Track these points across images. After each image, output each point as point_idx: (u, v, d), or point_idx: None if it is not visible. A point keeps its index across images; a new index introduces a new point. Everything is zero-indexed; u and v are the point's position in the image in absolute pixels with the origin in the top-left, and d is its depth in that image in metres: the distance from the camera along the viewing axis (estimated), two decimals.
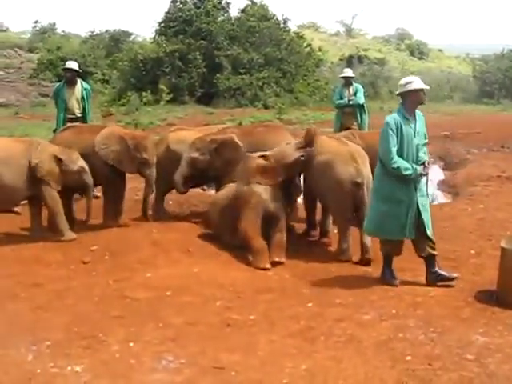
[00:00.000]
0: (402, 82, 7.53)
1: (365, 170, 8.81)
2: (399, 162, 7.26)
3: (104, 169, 9.77)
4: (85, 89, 12.31)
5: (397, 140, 7.29)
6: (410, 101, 7.42)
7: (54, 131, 11.51)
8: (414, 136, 7.39)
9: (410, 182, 7.39)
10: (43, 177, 9.16)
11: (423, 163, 7.47)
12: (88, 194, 9.69)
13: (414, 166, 7.34)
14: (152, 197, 10.68)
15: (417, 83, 7.39)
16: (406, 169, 7.28)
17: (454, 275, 7.58)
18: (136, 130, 11.02)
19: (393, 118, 7.35)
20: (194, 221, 10.36)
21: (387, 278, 7.69)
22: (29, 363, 5.65)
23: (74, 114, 12.11)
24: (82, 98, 12.21)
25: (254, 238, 8.61)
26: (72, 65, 12.32)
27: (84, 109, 12.23)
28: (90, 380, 5.36)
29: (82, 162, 9.51)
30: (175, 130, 11.35)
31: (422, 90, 7.43)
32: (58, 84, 12.77)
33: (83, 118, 12.18)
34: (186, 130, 11.37)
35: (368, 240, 8.48)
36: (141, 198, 10.62)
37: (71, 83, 12.16)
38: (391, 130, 7.27)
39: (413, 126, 7.41)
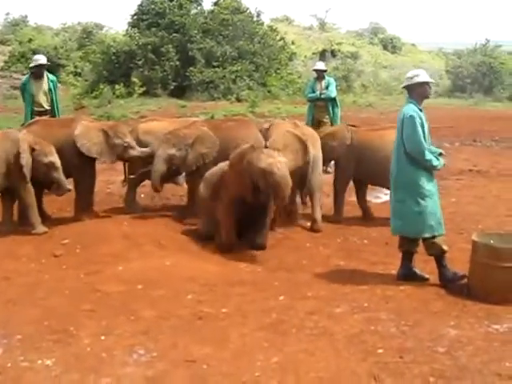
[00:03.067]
0: (409, 74, 7.47)
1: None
2: (430, 154, 7.23)
3: (76, 162, 9.69)
4: (51, 81, 12.22)
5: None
6: (417, 93, 7.35)
7: (22, 125, 11.35)
8: (426, 128, 7.38)
9: (433, 174, 7.39)
10: (23, 167, 9.07)
11: (440, 154, 7.52)
12: (60, 190, 9.58)
13: (439, 158, 7.37)
14: (124, 190, 10.65)
15: (423, 76, 7.35)
16: (435, 160, 7.27)
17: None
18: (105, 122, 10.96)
19: (415, 111, 7.23)
20: (166, 214, 10.33)
21: (418, 274, 7.55)
22: None
23: (43, 107, 12.02)
24: (50, 90, 12.11)
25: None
26: (42, 60, 12.18)
27: (52, 101, 12.13)
28: (61, 374, 5.32)
29: (53, 158, 9.39)
30: (146, 121, 11.31)
31: (427, 83, 7.41)
32: (24, 78, 12.62)
33: (52, 111, 12.09)
34: (156, 120, 11.31)
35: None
36: (112, 191, 10.56)
37: (38, 76, 12.06)
38: (418, 122, 7.18)
39: (425, 117, 7.38)
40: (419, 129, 7.17)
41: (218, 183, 8.92)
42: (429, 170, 7.30)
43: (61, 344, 5.85)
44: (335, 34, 55.92)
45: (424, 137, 7.22)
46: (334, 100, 13.65)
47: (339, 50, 46.20)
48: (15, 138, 9.24)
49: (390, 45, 55.34)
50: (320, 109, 13.61)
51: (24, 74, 33.82)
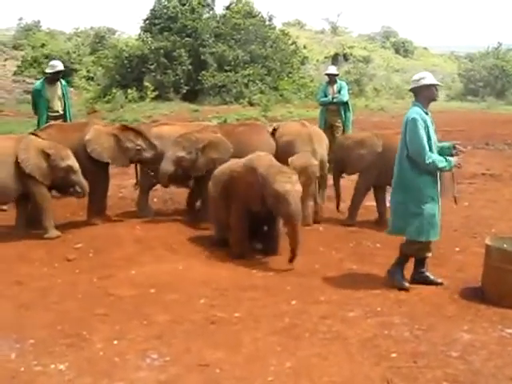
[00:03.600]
0: (416, 77, 7.42)
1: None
2: (433, 157, 7.12)
3: (89, 166, 9.67)
4: (64, 85, 12.28)
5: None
6: (423, 96, 7.30)
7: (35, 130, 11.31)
8: (433, 130, 7.33)
9: (435, 178, 7.30)
10: (30, 172, 9.08)
11: (453, 147, 7.41)
12: (81, 193, 9.59)
13: (448, 158, 7.23)
14: (136, 194, 10.67)
15: (429, 79, 7.29)
16: (441, 161, 7.14)
17: (439, 280, 7.54)
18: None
19: (418, 114, 7.17)
20: (179, 218, 10.33)
21: (399, 280, 7.49)
22: (12, 362, 5.61)
23: (58, 112, 12.01)
24: (63, 94, 12.14)
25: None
26: (60, 66, 12.16)
27: (65, 106, 12.14)
28: (74, 378, 5.32)
29: (70, 161, 9.36)
30: (158, 125, 11.31)
31: (434, 85, 7.35)
32: (37, 83, 12.50)
33: (65, 116, 12.10)
34: (168, 125, 11.30)
35: None
36: (124, 195, 10.57)
37: (53, 81, 12.07)
38: (421, 126, 7.14)
39: (431, 120, 7.34)
40: (421, 132, 7.11)
41: (228, 185, 8.86)
42: (432, 174, 7.25)
43: (74, 348, 5.86)
44: (347, 38, 55.96)
45: (429, 140, 7.18)
46: (346, 104, 13.64)
47: (351, 54, 46.25)
48: (23, 143, 9.26)
49: (402, 48, 55.30)
50: (332, 113, 13.60)
51: (37, 79, 34.20)
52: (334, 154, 10.69)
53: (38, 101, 11.99)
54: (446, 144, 7.48)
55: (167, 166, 9.85)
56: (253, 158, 8.69)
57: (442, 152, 7.31)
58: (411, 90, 7.47)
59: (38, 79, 31.13)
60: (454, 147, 7.38)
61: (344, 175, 11.04)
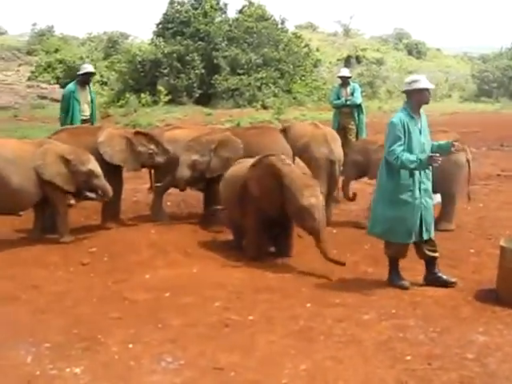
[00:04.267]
0: (408, 80, 7.45)
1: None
2: (403, 157, 7.10)
3: (102, 170, 9.67)
4: (91, 91, 12.28)
5: (404, 139, 7.18)
6: (415, 100, 7.32)
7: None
8: (420, 134, 7.31)
9: (414, 182, 7.29)
10: (50, 179, 9.12)
11: (452, 144, 7.39)
12: (103, 197, 9.62)
13: (419, 155, 7.18)
14: (150, 198, 10.69)
15: (422, 82, 7.29)
16: (412, 161, 7.11)
17: (453, 280, 7.54)
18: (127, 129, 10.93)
19: (398, 118, 7.22)
20: (193, 221, 10.34)
21: (395, 281, 7.56)
22: (28, 365, 5.63)
23: (86, 115, 11.97)
24: (91, 99, 12.15)
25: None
26: (90, 68, 12.22)
27: (92, 109, 12.15)
28: (89, 382, 5.33)
29: (91, 165, 9.36)
30: (171, 129, 11.32)
31: (427, 89, 7.35)
32: (69, 85, 12.25)
33: (91, 120, 12.10)
34: (181, 128, 11.30)
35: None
36: (138, 200, 10.59)
37: (84, 84, 12.04)
38: (398, 130, 7.15)
39: (419, 124, 7.31)
40: (396, 135, 7.17)
41: (240, 187, 8.85)
42: (409, 177, 7.29)
43: (89, 352, 5.87)
44: (360, 40, 55.95)
45: (410, 143, 7.20)
46: (359, 106, 13.61)
47: (364, 56, 46.26)
48: (41, 148, 9.26)
49: (415, 50, 55.25)
50: (345, 115, 13.56)
51: (50, 84, 34.33)
52: (352, 158, 10.62)
53: (72, 103, 11.78)
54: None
55: (184, 172, 9.86)
56: (268, 163, 8.64)
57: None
58: (404, 92, 7.48)
59: (52, 84, 30.98)
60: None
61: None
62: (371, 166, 9.93)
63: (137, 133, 10.34)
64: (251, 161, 8.88)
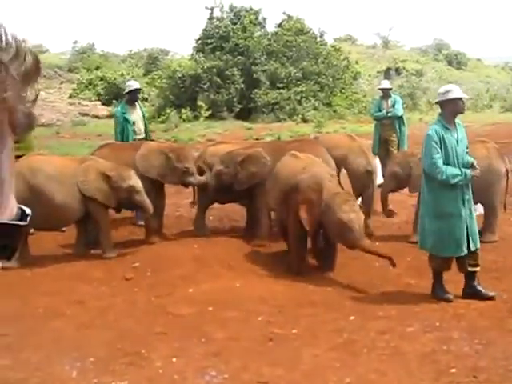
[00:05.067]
0: (441, 90, 7.43)
1: None
2: (447, 171, 7.10)
3: (144, 184, 9.75)
4: (141, 107, 12.19)
5: (441, 151, 7.17)
6: (449, 110, 7.30)
7: None
8: (457, 144, 7.26)
9: (457, 194, 7.25)
10: (91, 195, 9.22)
11: (471, 165, 7.36)
12: (144, 213, 9.72)
13: (463, 170, 7.18)
14: (193, 212, 10.76)
15: (455, 92, 7.27)
16: (455, 176, 7.11)
17: (491, 294, 7.43)
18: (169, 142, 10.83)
19: (434, 130, 7.21)
20: (235, 235, 10.37)
21: (439, 294, 7.49)
22: (73, 380, 5.70)
23: (141, 134, 11.73)
24: (143, 115, 12.03)
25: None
26: (136, 85, 12.13)
27: (146, 126, 11.97)
28: None
29: (132, 181, 9.42)
30: (214, 144, 11.39)
31: (460, 99, 7.31)
32: (118, 108, 12.15)
33: (146, 137, 11.85)
34: (224, 144, 11.36)
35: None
36: (182, 214, 10.64)
37: (133, 102, 11.88)
38: (434, 142, 7.12)
39: (454, 134, 7.27)
40: (434, 148, 7.11)
41: (288, 195, 8.87)
42: (453, 188, 7.21)
43: (133, 367, 5.91)
44: (399, 52, 55.68)
45: (447, 155, 7.13)
46: (400, 118, 13.56)
47: (404, 68, 46.05)
48: (83, 166, 9.38)
49: (455, 61, 54.82)
50: (387, 127, 13.51)
51: (91, 101, 34.69)
52: (392, 170, 10.55)
53: (125, 126, 11.52)
54: (467, 158, 7.41)
55: (209, 180, 10.10)
56: (315, 178, 8.61)
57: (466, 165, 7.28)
58: (437, 102, 7.44)
59: (94, 101, 31.19)
60: (473, 165, 7.35)
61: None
62: (411, 178, 9.90)
63: (176, 149, 10.38)
64: (303, 160, 8.99)
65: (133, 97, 11.88)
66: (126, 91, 11.96)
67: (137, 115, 11.78)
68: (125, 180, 9.38)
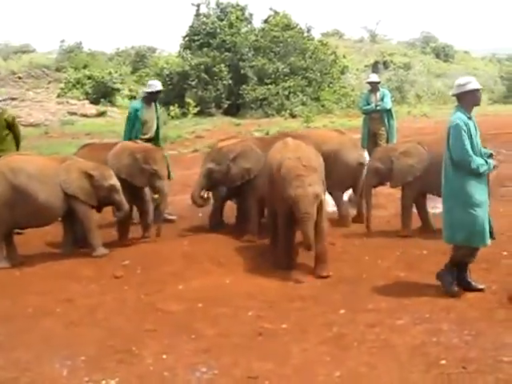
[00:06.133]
0: (460, 82, 7.35)
1: None
2: (477, 161, 7.07)
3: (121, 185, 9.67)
4: (158, 109, 11.91)
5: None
6: (467, 101, 7.24)
7: None
8: (476, 135, 7.26)
9: (484, 182, 7.25)
10: (74, 193, 9.22)
11: (490, 155, 7.37)
12: (120, 212, 9.70)
13: (488, 160, 7.19)
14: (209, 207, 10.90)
15: (473, 84, 7.24)
16: (482, 165, 7.09)
17: (481, 286, 7.42)
18: (146, 144, 10.65)
19: (461, 119, 7.13)
20: (225, 232, 10.37)
21: (450, 287, 7.38)
22: (64, 378, 5.69)
23: (149, 135, 11.53)
24: (157, 117, 11.69)
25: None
26: (159, 86, 11.69)
27: (158, 128, 11.71)
28: None
29: (113, 181, 9.49)
30: (225, 140, 11.12)
31: (478, 90, 7.30)
32: (135, 102, 11.80)
33: (156, 138, 11.68)
34: (234, 138, 11.14)
35: None
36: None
37: (151, 102, 11.59)
38: (464, 130, 7.07)
39: (474, 124, 7.27)
40: (464, 137, 7.05)
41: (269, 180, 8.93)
42: (478, 177, 7.18)
43: (124, 364, 5.91)
44: (387, 45, 55.86)
45: (472, 144, 7.12)
46: (389, 111, 13.53)
47: (391, 61, 46.17)
48: (65, 164, 9.40)
49: (443, 53, 55.03)
50: (375, 121, 13.48)
51: (80, 100, 34.62)
52: (374, 166, 10.30)
53: (134, 122, 11.33)
54: (484, 150, 7.40)
55: (200, 180, 10.21)
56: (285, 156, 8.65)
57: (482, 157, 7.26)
58: (455, 95, 7.40)
59: (82, 100, 31.10)
60: (491, 155, 7.36)
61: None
62: (393, 173, 9.88)
63: (147, 150, 10.27)
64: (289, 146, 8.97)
65: (153, 97, 11.61)
66: (148, 91, 11.58)
67: (151, 115, 11.50)
68: (106, 179, 9.43)
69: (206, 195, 10.64)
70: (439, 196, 10.11)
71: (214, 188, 10.50)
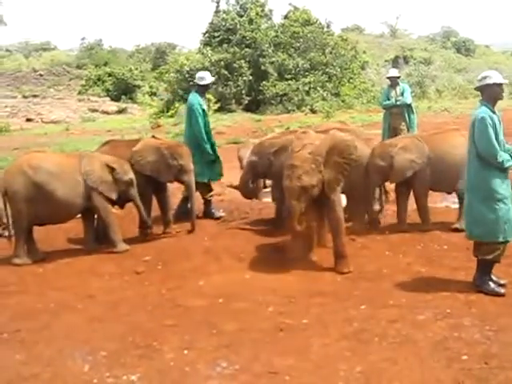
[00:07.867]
0: (484, 75, 7.33)
1: None
2: (503, 155, 7.03)
3: (139, 181, 9.75)
4: (205, 100, 11.76)
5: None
6: (489, 95, 7.19)
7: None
8: (500, 129, 7.21)
9: (507, 177, 7.18)
10: (95, 185, 9.26)
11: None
12: (137, 206, 9.74)
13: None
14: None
15: (495, 77, 7.18)
16: (508, 160, 7.05)
17: (503, 282, 7.35)
18: (169, 140, 10.59)
19: (486, 113, 7.08)
20: (245, 228, 10.38)
21: (491, 287, 7.25)
22: (85, 373, 5.71)
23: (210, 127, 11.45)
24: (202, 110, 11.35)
25: None
26: (210, 78, 11.64)
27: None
28: None
29: (132, 175, 9.59)
30: (271, 137, 10.95)
31: (499, 84, 7.24)
32: (193, 98, 11.31)
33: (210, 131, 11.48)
34: (285, 135, 10.99)
35: None
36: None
37: (203, 95, 11.53)
38: (490, 124, 7.01)
39: (498, 119, 7.22)
40: (490, 130, 6.98)
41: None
42: (502, 172, 7.13)
43: (145, 359, 5.93)
44: (407, 40, 55.65)
45: (497, 139, 7.06)
46: (409, 106, 13.49)
47: (412, 56, 46.01)
48: (86, 158, 9.45)
49: (463, 48, 54.76)
50: (396, 116, 13.45)
51: (100, 97, 34.76)
52: (375, 163, 10.01)
53: (202, 118, 11.14)
54: (507, 147, 7.34)
55: (244, 174, 10.27)
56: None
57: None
58: (476, 88, 7.37)
59: (103, 97, 31.10)
60: None
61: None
62: (393, 168, 9.80)
63: (173, 145, 10.37)
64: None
65: (204, 89, 11.59)
66: (202, 83, 11.42)
67: (206, 108, 11.46)
68: (126, 173, 9.52)
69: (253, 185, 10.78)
70: (439, 191, 10.16)
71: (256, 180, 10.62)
